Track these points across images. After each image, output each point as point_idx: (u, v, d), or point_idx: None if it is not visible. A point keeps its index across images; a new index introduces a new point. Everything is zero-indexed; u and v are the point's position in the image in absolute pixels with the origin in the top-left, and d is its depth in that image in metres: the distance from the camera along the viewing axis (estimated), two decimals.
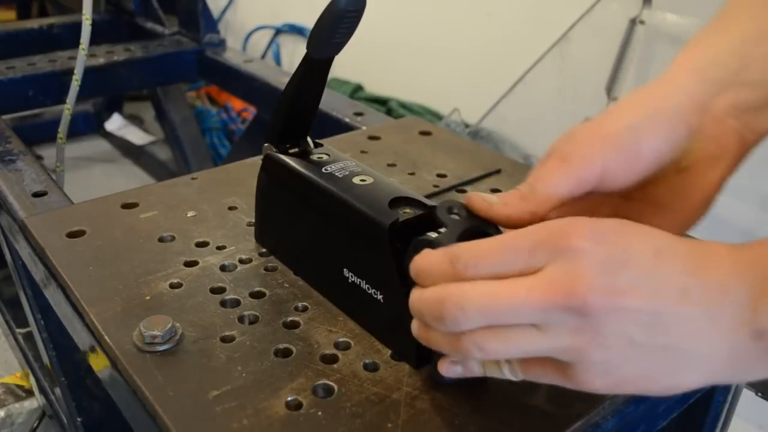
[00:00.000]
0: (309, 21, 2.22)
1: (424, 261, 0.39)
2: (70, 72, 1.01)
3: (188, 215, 0.64)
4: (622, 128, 0.42)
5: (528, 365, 0.38)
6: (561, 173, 0.41)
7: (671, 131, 0.42)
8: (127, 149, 2.24)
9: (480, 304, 0.35)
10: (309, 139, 0.57)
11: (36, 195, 0.72)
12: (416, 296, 0.38)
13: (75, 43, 1.00)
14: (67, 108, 0.98)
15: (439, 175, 0.74)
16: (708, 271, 0.35)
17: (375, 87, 2.15)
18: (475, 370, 0.40)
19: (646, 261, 0.34)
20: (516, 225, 0.41)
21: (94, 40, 1.04)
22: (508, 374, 0.39)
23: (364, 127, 0.90)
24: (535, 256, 0.35)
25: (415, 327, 0.40)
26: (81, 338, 0.54)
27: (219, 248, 0.59)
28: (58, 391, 0.91)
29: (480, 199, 0.42)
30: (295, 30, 2.47)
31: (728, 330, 0.34)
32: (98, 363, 0.51)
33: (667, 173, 0.43)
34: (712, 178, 0.43)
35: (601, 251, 0.34)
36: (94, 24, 1.00)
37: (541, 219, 0.41)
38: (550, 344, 0.35)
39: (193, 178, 0.71)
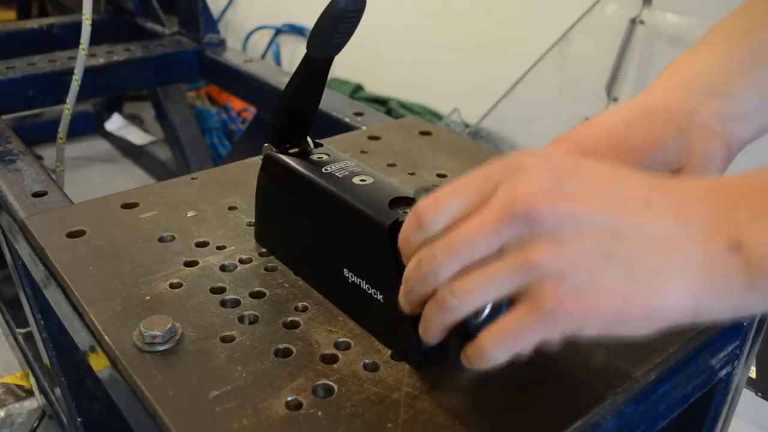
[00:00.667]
0: (309, 21, 2.22)
1: (400, 234, 0.40)
2: (70, 72, 1.01)
3: (188, 215, 0.64)
4: (614, 120, 0.45)
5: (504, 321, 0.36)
6: (551, 149, 0.43)
7: (661, 128, 0.44)
8: (127, 149, 2.24)
9: (445, 244, 0.36)
10: (309, 139, 0.57)
11: (36, 195, 0.72)
12: (405, 272, 0.39)
13: (75, 43, 1.00)
14: (67, 108, 0.98)
15: (439, 175, 0.74)
16: (676, 188, 0.34)
17: (375, 87, 2.15)
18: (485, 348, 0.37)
19: (600, 173, 0.35)
20: None
21: (94, 40, 1.04)
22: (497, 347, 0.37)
23: (364, 127, 0.90)
24: (487, 184, 0.36)
25: (406, 305, 0.41)
26: (81, 338, 0.54)
27: (219, 248, 0.59)
28: (58, 391, 0.91)
29: None
30: (295, 30, 2.47)
31: (702, 240, 0.32)
32: (98, 363, 0.51)
33: (660, 173, 0.44)
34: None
35: (548, 163, 0.35)
36: (94, 24, 1.00)
37: None
38: (511, 267, 0.34)
39: (193, 178, 0.71)
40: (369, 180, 0.50)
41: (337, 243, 0.51)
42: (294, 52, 2.49)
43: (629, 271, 0.33)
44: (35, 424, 1.07)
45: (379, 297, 0.47)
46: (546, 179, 0.34)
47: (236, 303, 0.52)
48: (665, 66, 0.48)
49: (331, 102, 0.99)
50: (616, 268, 0.33)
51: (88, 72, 1.07)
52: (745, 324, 0.54)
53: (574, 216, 0.33)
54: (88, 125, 2.30)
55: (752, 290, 0.32)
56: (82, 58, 0.98)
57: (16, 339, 1.17)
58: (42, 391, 1.05)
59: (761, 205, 0.32)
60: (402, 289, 0.40)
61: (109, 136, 2.30)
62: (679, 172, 0.44)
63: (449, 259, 0.36)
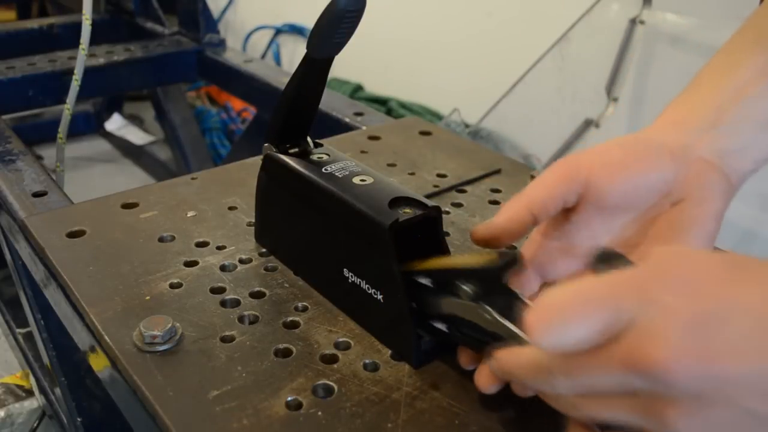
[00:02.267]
0: (309, 21, 2.22)
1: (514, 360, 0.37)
2: (70, 72, 1.01)
3: (188, 215, 0.64)
4: (609, 144, 0.45)
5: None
6: (548, 173, 0.44)
7: (655, 153, 0.44)
8: (127, 149, 2.24)
9: (566, 371, 0.33)
10: (309, 139, 0.57)
11: (36, 195, 0.72)
12: (509, 361, 0.37)
13: (75, 43, 1.00)
14: (67, 108, 0.98)
15: (439, 175, 0.74)
16: None
17: (375, 87, 2.15)
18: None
19: (760, 314, 0.28)
20: (517, 225, 0.43)
21: (94, 40, 1.04)
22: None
23: (364, 127, 0.90)
24: (618, 316, 0.30)
25: (493, 379, 0.41)
26: (81, 338, 0.54)
27: (219, 248, 0.59)
28: (58, 391, 0.91)
29: (482, 227, 0.45)
30: (295, 30, 2.47)
31: None
32: (98, 363, 0.51)
33: (662, 207, 0.44)
34: (707, 210, 0.44)
35: (693, 303, 0.29)
36: (94, 24, 1.00)
37: (538, 221, 0.44)
38: (641, 413, 0.31)
39: (193, 178, 0.71)
40: (369, 180, 0.50)
41: (337, 243, 0.51)
42: (294, 52, 2.49)
43: None
44: (35, 424, 1.07)
45: (379, 297, 0.47)
46: (688, 330, 0.28)
47: (236, 303, 0.52)
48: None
49: (331, 102, 0.99)
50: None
51: (88, 72, 1.07)
52: None
53: (718, 378, 0.28)
54: (88, 125, 2.30)
55: None
56: (82, 58, 0.98)
57: (16, 339, 1.17)
58: (42, 391, 1.05)
59: None
60: (497, 365, 0.38)
61: (109, 136, 2.30)
62: (681, 202, 0.44)
63: (569, 383, 0.33)
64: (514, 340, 0.38)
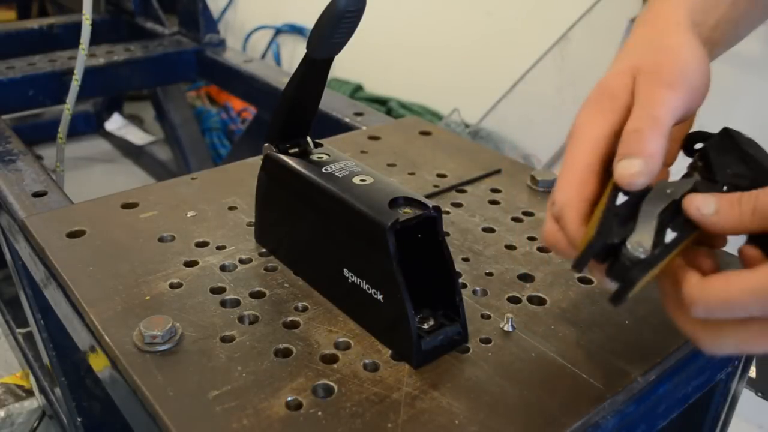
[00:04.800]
0: (309, 21, 2.22)
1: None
2: (70, 72, 1.02)
3: (188, 215, 0.64)
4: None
5: None
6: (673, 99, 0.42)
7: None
8: (127, 149, 2.24)
9: None
10: (309, 139, 0.57)
11: (36, 195, 0.72)
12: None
13: (75, 43, 1.00)
14: (67, 108, 0.98)
15: (439, 175, 0.74)
16: None
17: (375, 87, 2.15)
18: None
19: None
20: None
21: (94, 40, 1.04)
22: None
23: (364, 127, 0.90)
24: None
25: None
26: (81, 338, 0.54)
27: (219, 248, 0.59)
28: (58, 391, 0.91)
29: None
30: (295, 30, 2.47)
31: None
32: (98, 363, 0.51)
33: None
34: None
35: None
36: (94, 24, 1.00)
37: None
38: None
39: (193, 178, 0.71)
40: (369, 180, 0.50)
41: (337, 243, 0.51)
42: (294, 52, 2.49)
43: None
44: (35, 424, 1.07)
45: (379, 297, 0.47)
46: None
47: (236, 303, 0.52)
48: None
49: (331, 102, 0.99)
50: None
51: (88, 72, 1.07)
52: None
53: None
54: (88, 125, 2.30)
55: None
56: (82, 58, 0.98)
57: (16, 339, 1.17)
58: (42, 391, 1.05)
59: None
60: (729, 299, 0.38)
61: (109, 136, 2.30)
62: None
63: None
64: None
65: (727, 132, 0.43)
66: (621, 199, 0.40)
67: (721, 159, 0.42)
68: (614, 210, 0.39)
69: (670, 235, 0.39)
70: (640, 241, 0.38)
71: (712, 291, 0.37)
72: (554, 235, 0.43)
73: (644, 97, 0.42)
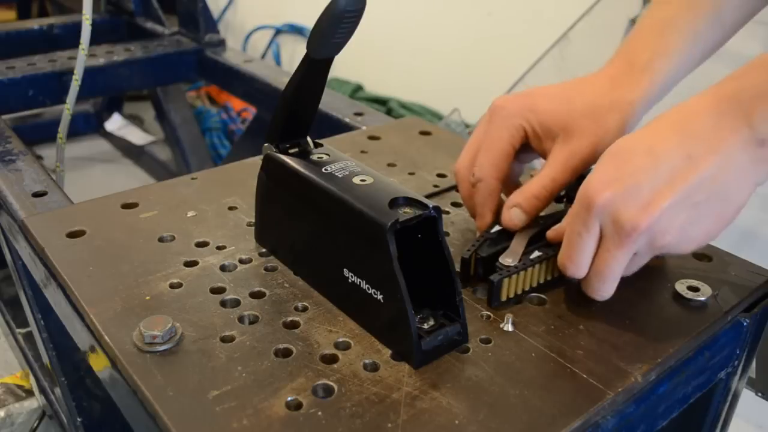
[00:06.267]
0: (309, 21, 2.22)
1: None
2: (70, 72, 1.02)
3: (188, 215, 0.64)
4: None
5: None
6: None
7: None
8: (127, 149, 2.24)
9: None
10: (309, 139, 0.57)
11: (36, 195, 0.72)
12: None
13: (75, 43, 1.00)
14: (67, 108, 0.98)
15: (439, 175, 0.74)
16: (696, 130, 0.45)
17: (375, 87, 2.15)
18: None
19: (642, 158, 0.46)
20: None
21: (94, 40, 1.04)
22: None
23: (364, 127, 0.90)
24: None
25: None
26: (81, 338, 0.54)
27: (219, 248, 0.59)
28: (58, 391, 0.91)
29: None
30: (295, 30, 2.47)
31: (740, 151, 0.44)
32: (98, 363, 0.51)
33: None
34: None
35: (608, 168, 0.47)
36: (94, 24, 1.00)
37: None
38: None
39: (193, 178, 0.71)
40: (369, 180, 0.50)
41: (337, 243, 0.51)
42: (294, 52, 2.50)
43: (708, 208, 0.45)
44: (35, 424, 1.07)
45: (379, 297, 0.47)
46: (604, 175, 0.48)
47: (236, 303, 0.52)
48: None
49: (331, 102, 0.99)
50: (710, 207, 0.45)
51: (88, 72, 1.07)
52: (745, 324, 0.54)
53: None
54: (88, 125, 2.30)
55: None
56: (82, 58, 0.98)
57: (16, 339, 1.17)
58: (42, 391, 1.05)
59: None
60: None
61: (109, 136, 2.30)
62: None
63: None
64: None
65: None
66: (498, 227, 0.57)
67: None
68: (489, 236, 0.56)
69: (536, 254, 0.54)
70: (509, 257, 0.53)
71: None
72: (468, 191, 0.59)
73: (551, 157, 0.56)
